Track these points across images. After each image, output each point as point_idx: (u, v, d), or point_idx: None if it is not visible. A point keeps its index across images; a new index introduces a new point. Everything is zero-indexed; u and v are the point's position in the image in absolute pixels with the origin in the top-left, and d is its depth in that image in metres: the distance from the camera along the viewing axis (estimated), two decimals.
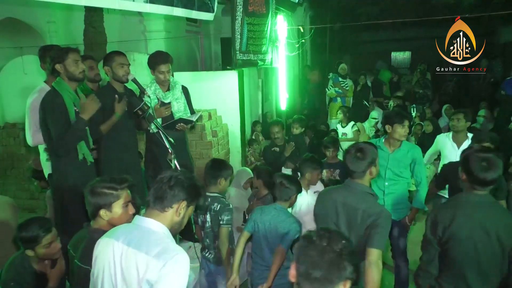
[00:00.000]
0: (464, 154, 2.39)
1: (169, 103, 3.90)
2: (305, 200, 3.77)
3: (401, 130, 3.51)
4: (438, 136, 4.57)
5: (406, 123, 3.53)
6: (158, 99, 3.89)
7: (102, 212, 2.14)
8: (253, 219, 2.99)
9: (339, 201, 2.50)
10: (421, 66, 10.87)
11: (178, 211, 1.81)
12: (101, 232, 2.05)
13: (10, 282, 2.55)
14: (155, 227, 1.75)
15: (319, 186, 3.92)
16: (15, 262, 2.63)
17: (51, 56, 3.11)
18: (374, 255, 2.30)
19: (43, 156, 3.57)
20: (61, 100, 3.03)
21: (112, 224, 2.12)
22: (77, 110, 3.13)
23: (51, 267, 2.66)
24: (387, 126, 3.60)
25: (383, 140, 3.73)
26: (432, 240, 2.36)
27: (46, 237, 2.52)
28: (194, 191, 1.86)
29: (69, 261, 2.21)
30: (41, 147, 3.54)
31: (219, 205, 3.07)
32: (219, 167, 3.18)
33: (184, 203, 1.82)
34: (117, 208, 2.14)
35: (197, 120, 3.98)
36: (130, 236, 1.74)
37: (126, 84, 3.71)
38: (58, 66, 3.07)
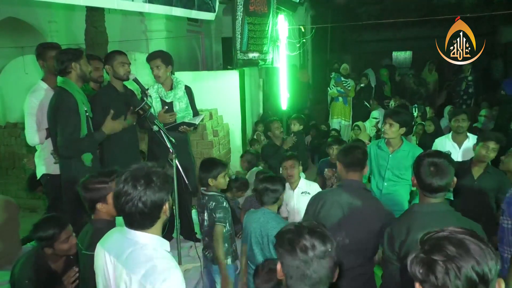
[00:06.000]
0: (417, 157, 2.25)
1: (173, 104, 3.91)
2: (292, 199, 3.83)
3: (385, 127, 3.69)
4: (436, 140, 4.51)
5: (389, 120, 3.64)
6: (160, 98, 3.90)
7: (99, 205, 2.21)
8: (244, 228, 3.07)
9: (343, 202, 2.49)
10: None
11: (165, 213, 1.70)
12: (103, 221, 2.20)
13: (24, 280, 2.53)
14: (144, 239, 1.65)
15: (304, 186, 3.89)
16: (30, 260, 2.61)
17: (70, 54, 3.13)
18: None
19: (41, 153, 3.54)
20: (73, 99, 3.06)
21: (110, 213, 2.22)
22: (85, 109, 3.16)
23: (64, 266, 2.65)
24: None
25: (385, 140, 3.75)
26: (390, 257, 2.21)
27: (65, 231, 2.56)
28: (166, 182, 1.69)
29: (78, 255, 2.26)
30: (38, 146, 3.53)
31: (213, 203, 3.09)
32: (206, 168, 3.15)
33: (166, 203, 1.69)
34: (112, 199, 2.15)
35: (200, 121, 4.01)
36: (118, 250, 1.68)
37: (127, 84, 3.73)
38: (74, 65, 3.09)
